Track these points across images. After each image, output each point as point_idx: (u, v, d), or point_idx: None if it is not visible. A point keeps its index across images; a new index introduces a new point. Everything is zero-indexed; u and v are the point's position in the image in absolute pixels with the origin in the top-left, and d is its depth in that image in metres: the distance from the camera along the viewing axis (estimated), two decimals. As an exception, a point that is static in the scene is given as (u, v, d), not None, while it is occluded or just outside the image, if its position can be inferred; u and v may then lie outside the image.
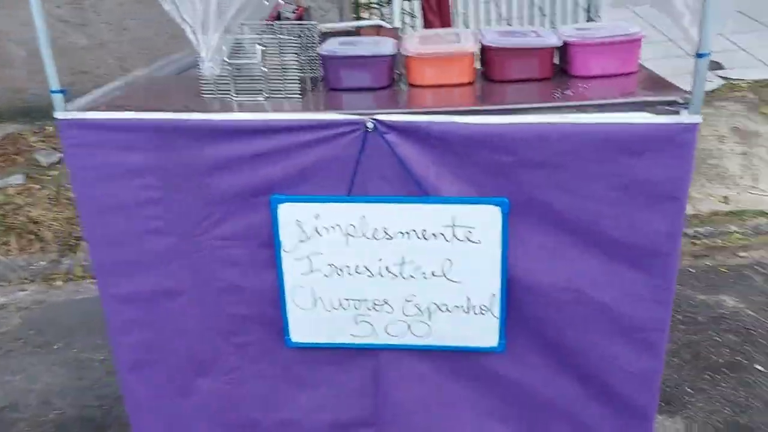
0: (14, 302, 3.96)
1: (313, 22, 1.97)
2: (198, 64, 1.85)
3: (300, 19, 2.45)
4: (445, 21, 4.51)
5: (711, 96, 5.24)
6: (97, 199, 1.80)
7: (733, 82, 5.41)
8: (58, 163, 5.15)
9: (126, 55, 5.73)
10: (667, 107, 1.64)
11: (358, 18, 5.78)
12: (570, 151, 1.64)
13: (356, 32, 2.46)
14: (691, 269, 3.67)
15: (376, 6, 6.00)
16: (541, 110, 1.69)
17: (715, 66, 5.73)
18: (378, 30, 3.15)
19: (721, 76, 5.56)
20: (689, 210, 4.19)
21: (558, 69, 1.98)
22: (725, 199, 4.25)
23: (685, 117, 1.60)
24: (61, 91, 1.72)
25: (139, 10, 5.48)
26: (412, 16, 5.40)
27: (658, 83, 1.80)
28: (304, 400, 2.06)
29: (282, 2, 2.43)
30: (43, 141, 5.56)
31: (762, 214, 4.10)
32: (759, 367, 2.86)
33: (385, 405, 2.03)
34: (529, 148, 1.65)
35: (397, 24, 4.44)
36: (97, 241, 1.86)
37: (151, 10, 5.56)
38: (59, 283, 4.15)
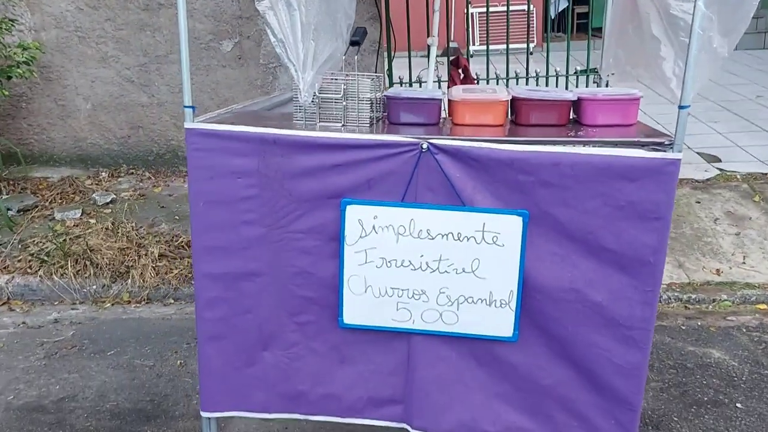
0: (67, 318, 4.36)
1: (379, 74, 2.52)
2: (279, 105, 2.37)
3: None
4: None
5: (707, 184, 5.77)
6: (206, 194, 2.29)
7: (729, 173, 5.94)
8: (111, 202, 5.68)
9: (181, 115, 6.38)
10: (656, 147, 2.14)
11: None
12: (577, 175, 2.13)
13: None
14: (682, 326, 4.06)
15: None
16: (556, 143, 2.19)
17: (713, 159, 6.29)
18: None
19: (718, 168, 6.09)
20: (683, 278, 4.63)
21: (572, 120, 2.50)
22: (717, 272, 4.68)
23: (669, 154, 2.10)
24: (192, 107, 2.25)
25: (197, 77, 6.16)
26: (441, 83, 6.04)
27: (651, 131, 2.32)
28: (345, 376, 2.45)
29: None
30: (97, 184, 6.12)
31: (750, 286, 4.52)
32: (739, 405, 3.22)
33: (413, 384, 2.42)
34: (544, 171, 2.14)
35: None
36: (200, 227, 2.34)
37: (208, 77, 6.28)
38: (108, 305, 4.56)
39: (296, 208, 2.29)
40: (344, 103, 2.35)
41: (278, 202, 2.28)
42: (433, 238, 2.25)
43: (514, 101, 2.45)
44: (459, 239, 2.24)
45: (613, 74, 2.99)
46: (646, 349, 2.24)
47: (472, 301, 2.29)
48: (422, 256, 2.27)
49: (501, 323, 2.30)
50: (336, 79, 2.35)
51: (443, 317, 2.32)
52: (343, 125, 2.37)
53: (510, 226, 2.21)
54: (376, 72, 6.14)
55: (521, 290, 2.25)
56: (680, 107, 2.04)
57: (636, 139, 2.17)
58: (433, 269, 2.28)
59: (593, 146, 2.15)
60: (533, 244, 2.22)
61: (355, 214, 2.26)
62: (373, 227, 2.26)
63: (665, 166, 2.08)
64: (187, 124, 2.27)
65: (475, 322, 2.31)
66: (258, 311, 2.40)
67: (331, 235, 2.30)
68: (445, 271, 2.28)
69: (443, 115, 2.55)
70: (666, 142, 2.12)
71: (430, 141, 2.19)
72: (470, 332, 2.33)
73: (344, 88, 2.32)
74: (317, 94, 2.32)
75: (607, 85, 3.08)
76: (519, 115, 2.45)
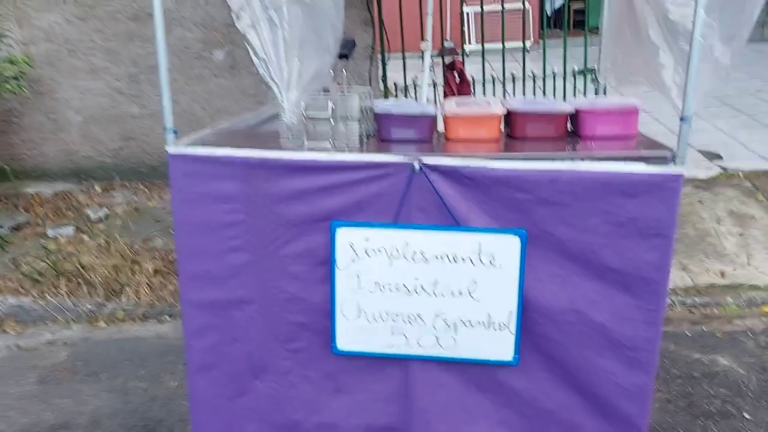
0: (61, 339, 4.27)
1: (368, 88, 2.43)
2: (267, 122, 2.29)
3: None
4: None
5: (709, 183, 5.68)
6: (192, 220, 2.21)
7: (731, 172, 5.85)
8: (106, 218, 5.59)
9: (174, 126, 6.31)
10: (658, 161, 2.05)
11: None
12: (576, 192, 2.04)
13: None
14: (687, 332, 3.97)
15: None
16: (554, 158, 2.10)
17: (715, 157, 6.20)
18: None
19: (719, 166, 6.00)
20: (687, 281, 4.54)
21: (570, 133, 2.42)
22: (722, 274, 4.59)
23: (672, 168, 2.01)
24: (174, 131, 2.17)
25: (190, 87, 6.08)
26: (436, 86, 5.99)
27: (652, 143, 2.23)
28: (341, 405, 2.37)
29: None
30: (91, 199, 6.04)
31: (756, 288, 4.43)
32: (747, 416, 3.13)
33: (412, 412, 2.33)
34: (542, 188, 2.05)
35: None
36: (186, 254, 2.25)
37: (200, 87, 6.18)
38: (102, 324, 4.48)
39: (284, 232, 2.20)
40: (332, 123, 2.26)
41: (266, 227, 2.20)
42: (427, 261, 2.17)
43: (510, 114, 2.37)
44: (454, 261, 2.16)
45: (612, 86, 2.90)
46: (651, 370, 2.16)
47: (470, 324, 2.21)
48: (417, 279, 2.19)
49: (501, 347, 2.21)
50: (324, 95, 2.26)
51: (440, 342, 2.24)
52: (332, 144, 2.29)
53: (507, 247, 2.12)
54: (369, 77, 6.09)
55: (521, 312, 2.17)
56: (682, 119, 1.95)
57: (636, 153, 2.08)
58: (428, 293, 2.19)
59: (592, 161, 2.07)
60: (532, 265, 2.13)
61: (346, 237, 2.18)
62: (365, 250, 2.18)
63: (667, 182, 1.99)
64: (169, 149, 2.19)
65: (473, 346, 2.23)
66: (248, 339, 2.32)
67: (322, 259, 2.21)
68: (441, 295, 2.19)
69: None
70: (668, 156, 2.03)
71: (423, 161, 2.10)
72: (469, 356, 2.24)
73: (331, 107, 2.23)
74: (304, 112, 2.23)
75: (605, 91, 3.00)
76: (514, 129, 2.36)
